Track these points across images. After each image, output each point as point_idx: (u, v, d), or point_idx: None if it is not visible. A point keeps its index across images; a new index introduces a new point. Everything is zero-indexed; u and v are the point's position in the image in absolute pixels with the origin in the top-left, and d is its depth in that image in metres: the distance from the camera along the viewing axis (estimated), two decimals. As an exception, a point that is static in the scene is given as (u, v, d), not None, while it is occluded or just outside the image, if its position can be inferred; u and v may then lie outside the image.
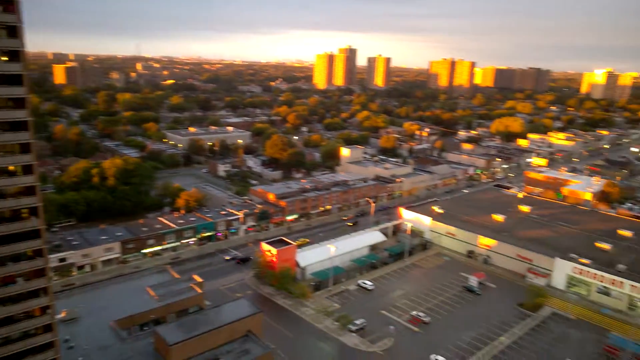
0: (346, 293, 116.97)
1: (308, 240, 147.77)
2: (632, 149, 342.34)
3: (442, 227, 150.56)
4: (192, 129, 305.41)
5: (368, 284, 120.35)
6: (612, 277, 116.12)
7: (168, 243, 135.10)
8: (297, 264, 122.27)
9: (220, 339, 78.05)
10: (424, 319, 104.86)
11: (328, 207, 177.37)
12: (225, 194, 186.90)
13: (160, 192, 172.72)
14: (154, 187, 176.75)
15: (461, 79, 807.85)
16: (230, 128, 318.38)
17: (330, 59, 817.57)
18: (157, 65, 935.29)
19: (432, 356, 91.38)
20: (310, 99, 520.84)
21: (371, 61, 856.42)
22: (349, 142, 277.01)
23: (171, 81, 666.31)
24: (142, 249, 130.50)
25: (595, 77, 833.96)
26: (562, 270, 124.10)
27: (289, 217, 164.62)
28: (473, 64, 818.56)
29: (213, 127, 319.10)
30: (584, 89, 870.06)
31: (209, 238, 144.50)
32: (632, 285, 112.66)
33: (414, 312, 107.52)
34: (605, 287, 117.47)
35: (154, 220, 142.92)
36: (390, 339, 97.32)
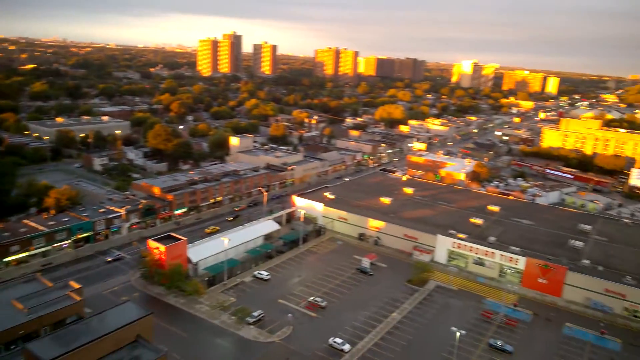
0: (242, 285, 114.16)
1: (218, 228, 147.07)
2: (496, 133, 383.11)
3: (334, 212, 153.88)
4: (60, 119, 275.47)
5: (264, 274, 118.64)
6: (485, 248, 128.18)
7: (37, 248, 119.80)
8: (189, 260, 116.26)
9: (105, 348, 70.74)
10: (321, 304, 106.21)
11: (219, 198, 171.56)
12: (103, 190, 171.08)
13: (24, 191, 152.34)
14: (16, 186, 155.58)
15: (346, 68, 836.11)
16: (105, 118, 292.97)
17: (215, 45, 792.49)
18: (13, 48, 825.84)
19: (331, 339, 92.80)
20: (194, 87, 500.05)
21: (257, 48, 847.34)
22: (238, 131, 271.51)
23: (32, 65, 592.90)
24: (4, 257, 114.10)
25: (463, 67, 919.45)
26: (443, 246, 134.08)
27: (178, 212, 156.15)
28: (356, 54, 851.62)
29: (85, 117, 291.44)
30: (454, 78, 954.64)
31: (87, 239, 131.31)
32: (502, 255, 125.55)
33: (311, 298, 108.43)
34: (479, 258, 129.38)
35: (17, 224, 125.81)
36: (289, 327, 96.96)
